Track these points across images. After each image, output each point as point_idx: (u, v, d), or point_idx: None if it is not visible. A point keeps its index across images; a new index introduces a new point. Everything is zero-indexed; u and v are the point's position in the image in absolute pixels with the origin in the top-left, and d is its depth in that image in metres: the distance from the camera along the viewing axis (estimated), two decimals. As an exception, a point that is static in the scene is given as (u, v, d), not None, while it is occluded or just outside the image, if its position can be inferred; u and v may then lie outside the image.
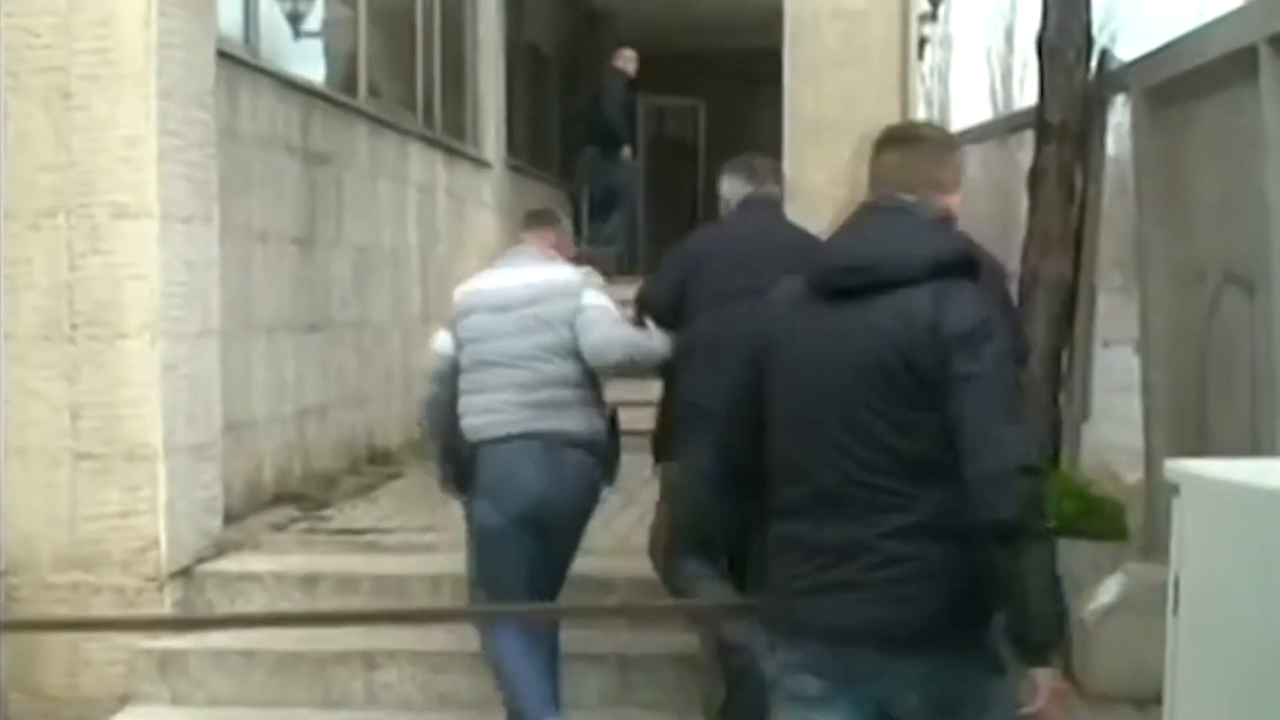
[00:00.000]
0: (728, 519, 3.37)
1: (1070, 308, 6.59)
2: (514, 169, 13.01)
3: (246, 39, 7.48)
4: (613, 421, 4.97)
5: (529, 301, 4.86)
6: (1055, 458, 6.55)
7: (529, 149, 14.21)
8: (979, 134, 10.51)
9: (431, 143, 10.53)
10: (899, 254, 2.99)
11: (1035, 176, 6.63)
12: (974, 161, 8.42)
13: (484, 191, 11.63)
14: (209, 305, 6.07)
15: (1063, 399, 6.61)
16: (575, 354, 4.80)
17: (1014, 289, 6.54)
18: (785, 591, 3.05)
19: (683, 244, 5.16)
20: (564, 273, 4.98)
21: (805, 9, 11.61)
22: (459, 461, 4.89)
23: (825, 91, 11.50)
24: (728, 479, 3.27)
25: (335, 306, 8.41)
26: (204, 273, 6.01)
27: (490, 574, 4.80)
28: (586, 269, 5.13)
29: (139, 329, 5.64)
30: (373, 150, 9.15)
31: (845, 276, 3.04)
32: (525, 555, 4.71)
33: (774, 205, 5.17)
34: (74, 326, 5.65)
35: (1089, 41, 6.61)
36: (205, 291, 6.03)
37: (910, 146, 3.23)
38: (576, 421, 4.81)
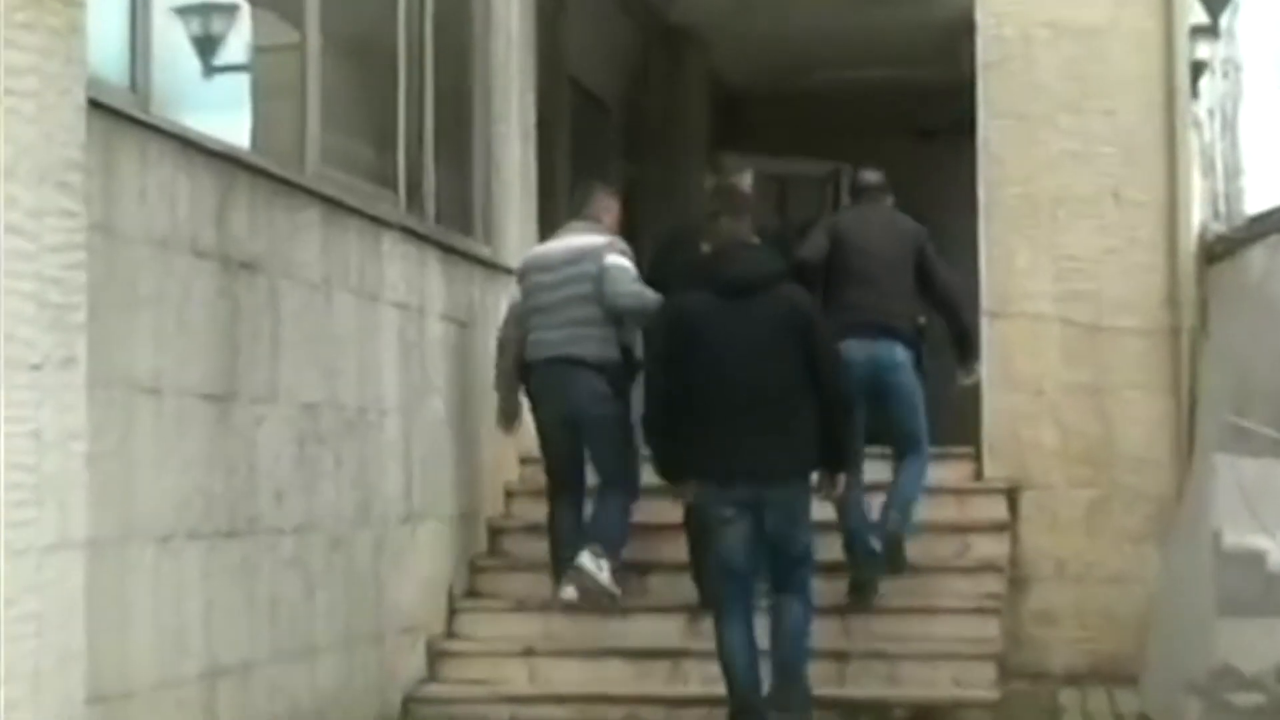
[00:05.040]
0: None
1: None
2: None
3: (133, 82, 7.57)
4: (627, 352, 10.58)
5: (566, 262, 10.56)
6: None
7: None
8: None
9: (420, 238, 10.67)
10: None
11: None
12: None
13: (504, 310, 11.54)
14: (68, 501, 6.02)
15: None
16: (598, 300, 10.40)
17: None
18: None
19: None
20: (595, 240, 10.56)
21: (1009, 24, 11.67)
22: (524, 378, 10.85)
23: (1041, 148, 11.47)
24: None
25: (266, 500, 8.43)
26: (61, 450, 5.97)
27: (546, 459, 10.81)
28: (611, 238, 10.65)
29: (-44, 542, 5.61)
30: (327, 250, 9.20)
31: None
32: (569, 444, 10.70)
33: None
34: None
35: None
36: (63, 480, 5.98)
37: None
38: (593, 349, 10.40)
